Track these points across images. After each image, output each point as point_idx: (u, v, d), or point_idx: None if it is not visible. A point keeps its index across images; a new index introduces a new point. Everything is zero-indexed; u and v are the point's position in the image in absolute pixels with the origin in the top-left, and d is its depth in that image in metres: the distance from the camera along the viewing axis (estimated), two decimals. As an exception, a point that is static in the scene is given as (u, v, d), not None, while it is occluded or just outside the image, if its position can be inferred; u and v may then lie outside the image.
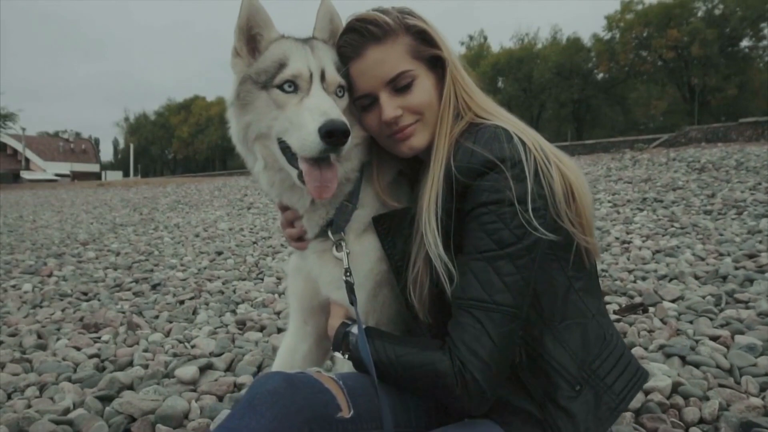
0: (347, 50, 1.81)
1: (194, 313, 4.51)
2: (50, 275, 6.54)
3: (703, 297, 3.93)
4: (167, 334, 4.01)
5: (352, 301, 1.79)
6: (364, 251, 1.89)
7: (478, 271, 1.59)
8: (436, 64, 1.79)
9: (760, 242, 5.21)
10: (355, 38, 1.77)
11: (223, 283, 5.58)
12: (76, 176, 70.76)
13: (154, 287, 5.63)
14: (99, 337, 3.98)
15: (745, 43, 54.45)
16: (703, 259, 4.96)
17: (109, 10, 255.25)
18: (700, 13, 53.55)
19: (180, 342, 3.76)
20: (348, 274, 1.83)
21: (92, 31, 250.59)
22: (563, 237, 1.66)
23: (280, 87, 1.74)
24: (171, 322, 4.27)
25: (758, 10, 49.05)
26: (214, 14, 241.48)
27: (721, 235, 5.72)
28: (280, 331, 3.91)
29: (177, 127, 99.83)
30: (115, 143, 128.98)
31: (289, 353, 2.17)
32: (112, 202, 19.44)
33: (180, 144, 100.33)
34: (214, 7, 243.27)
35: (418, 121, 1.79)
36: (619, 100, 63.31)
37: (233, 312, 4.51)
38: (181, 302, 4.92)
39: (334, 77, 1.79)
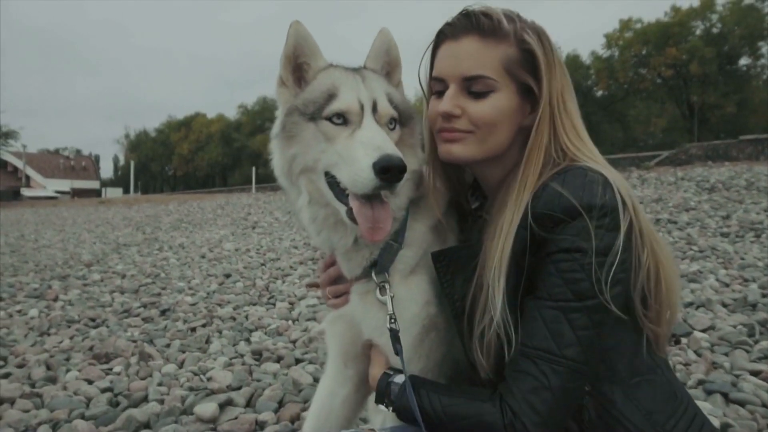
0: (447, 29, 1.67)
1: (207, 342, 4.38)
2: (56, 299, 6.40)
3: (735, 327, 3.80)
4: (181, 365, 3.88)
5: (397, 351, 1.66)
6: (410, 294, 1.77)
7: (549, 320, 1.47)
8: (530, 93, 1.65)
9: (786, 267, 5.10)
10: (462, 22, 1.64)
11: (234, 309, 5.45)
12: (76, 193, 70.69)
13: (163, 313, 5.50)
14: (110, 369, 3.84)
15: (743, 61, 54.82)
16: (727, 285, 4.84)
17: (109, 29, 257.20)
18: (698, 32, 53.92)
19: (195, 374, 3.62)
20: (393, 320, 1.70)
21: (92, 49, 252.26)
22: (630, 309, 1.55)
23: (329, 119, 1.64)
24: (184, 352, 4.13)
25: (756, 29, 49.41)
26: (214, 33, 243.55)
27: (743, 259, 5.61)
28: (297, 362, 3.78)
29: (177, 144, 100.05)
30: (116, 160, 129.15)
31: (328, 398, 2.04)
32: (114, 220, 19.31)
33: (180, 161, 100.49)
34: (215, 27, 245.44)
35: (472, 133, 1.67)
36: (618, 117, 63.53)
37: (247, 341, 4.38)
38: (193, 329, 4.79)
39: (387, 109, 1.68)
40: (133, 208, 24.21)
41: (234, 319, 5.08)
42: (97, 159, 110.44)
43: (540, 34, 1.64)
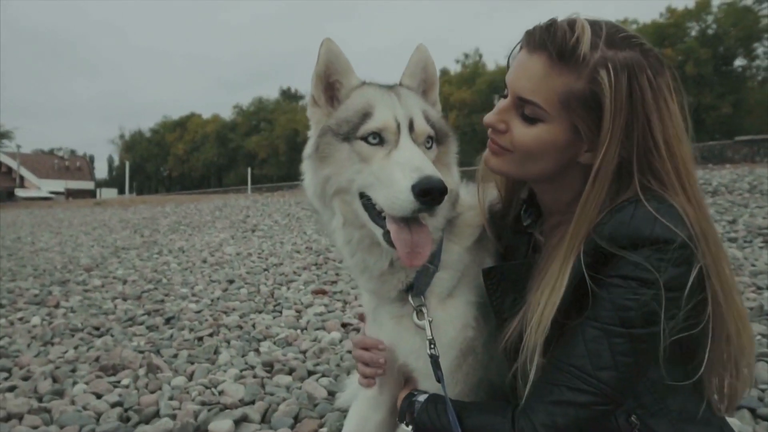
0: (527, 36, 1.56)
1: (215, 352, 4.30)
2: (57, 306, 6.32)
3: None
4: (190, 378, 3.80)
5: (439, 378, 1.61)
6: (448, 318, 1.72)
7: (589, 339, 1.41)
8: (581, 137, 1.52)
9: (798, 275, 5.06)
10: (541, 34, 1.51)
11: (241, 317, 5.37)
12: (71, 194, 70.34)
13: (168, 321, 5.41)
14: (118, 381, 3.76)
15: (738, 62, 55.11)
16: (740, 293, 4.79)
17: (105, 29, 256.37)
18: (693, 33, 54.17)
19: (206, 388, 3.55)
20: (432, 345, 1.65)
21: (88, 50, 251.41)
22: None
23: (365, 139, 1.58)
24: (192, 363, 4.06)
25: (751, 30, 49.62)
26: (210, 33, 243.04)
27: (754, 266, 5.57)
28: (310, 374, 3.71)
29: (172, 145, 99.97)
30: (110, 160, 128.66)
31: (361, 422, 1.99)
32: (111, 222, 19.17)
33: (175, 161, 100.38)
34: (211, 28, 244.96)
35: (510, 152, 1.62)
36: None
37: (256, 351, 4.31)
38: (200, 339, 4.71)
39: (424, 127, 1.62)
40: (130, 210, 24.06)
41: (241, 327, 5.01)
42: (91, 159, 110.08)
43: (632, 73, 1.43)
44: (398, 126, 1.59)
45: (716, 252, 1.46)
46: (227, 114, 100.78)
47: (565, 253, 1.45)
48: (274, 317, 5.33)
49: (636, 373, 1.42)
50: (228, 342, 4.56)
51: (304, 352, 4.20)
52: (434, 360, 1.62)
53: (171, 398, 3.39)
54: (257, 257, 9.10)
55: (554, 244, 1.53)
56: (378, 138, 1.58)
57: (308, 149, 1.75)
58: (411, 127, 1.60)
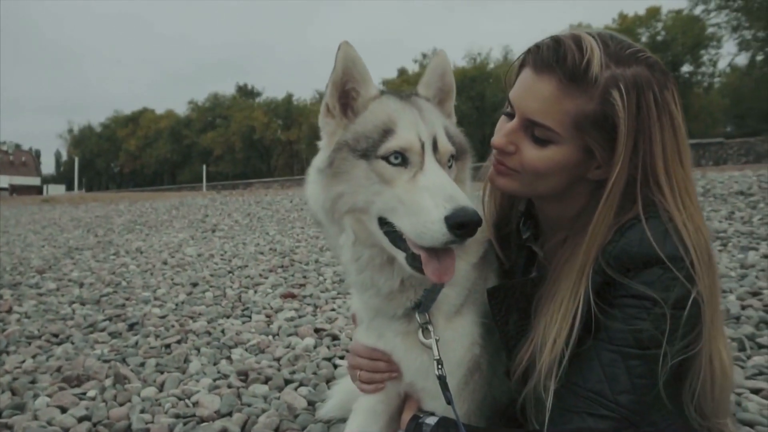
0: (532, 56, 1.50)
1: (185, 361, 4.14)
2: (10, 311, 5.99)
3: (723, 340, 3.85)
4: (161, 388, 3.65)
5: (448, 399, 1.56)
6: (456, 336, 1.67)
7: (606, 363, 1.40)
8: (593, 156, 1.51)
9: (758, 278, 5.23)
10: (549, 54, 1.46)
11: (208, 322, 5.21)
12: (15, 190, 67.62)
13: (131, 327, 5.20)
14: (84, 393, 3.57)
15: (685, 68, 57.15)
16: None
17: (51, 19, 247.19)
18: (644, 39, 55.86)
19: (180, 399, 3.41)
20: (440, 366, 1.59)
21: (33, 40, 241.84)
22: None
23: (386, 158, 1.48)
24: (162, 373, 3.90)
25: (697, 38, 51.56)
26: (164, 29, 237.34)
27: (715, 268, 5.73)
28: (287, 383, 3.61)
29: (124, 140, 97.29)
30: (58, 155, 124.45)
31: None
32: (62, 221, 18.46)
33: (127, 157, 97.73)
34: (164, 23, 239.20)
35: (518, 173, 1.59)
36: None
37: (228, 359, 4.18)
38: (167, 346, 4.54)
39: (447, 147, 1.53)
40: (81, 208, 23.22)
41: (209, 333, 4.85)
42: (37, 154, 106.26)
43: (641, 90, 1.43)
44: (422, 145, 1.49)
45: (712, 269, 1.47)
46: (182, 109, 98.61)
47: (577, 275, 1.44)
48: (243, 322, 5.19)
49: (652, 394, 1.41)
50: (198, 349, 4.40)
51: (278, 360, 4.09)
52: (443, 381, 1.57)
53: (143, 411, 3.24)
54: (220, 259, 8.88)
55: (562, 263, 1.51)
56: (400, 158, 1.48)
57: (320, 162, 1.63)
58: (434, 146, 1.51)
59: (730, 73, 56.42)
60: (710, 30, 50.69)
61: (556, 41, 1.49)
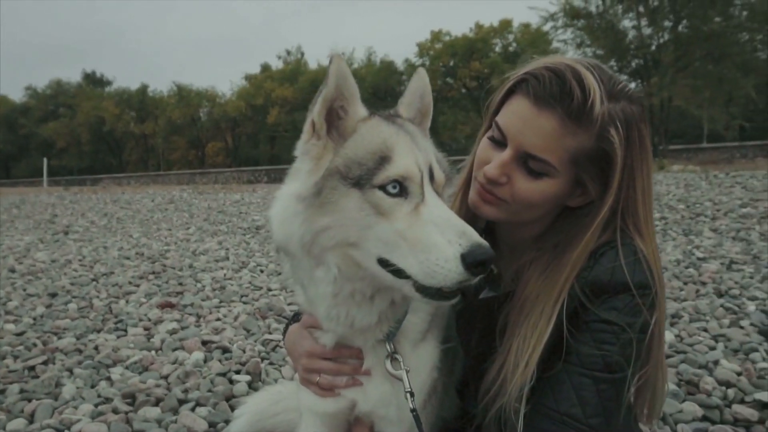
0: (531, 88, 1.46)
1: (57, 385, 3.71)
2: None
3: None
4: (31, 419, 3.23)
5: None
6: (421, 363, 1.64)
7: (579, 387, 1.46)
8: (586, 188, 1.54)
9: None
10: (551, 90, 1.43)
11: (77, 338, 4.71)
12: None
13: (-19, 348, 4.56)
14: (-68, 433, 3.07)
15: (533, 79, 61.95)
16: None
17: None
18: (498, 49, 59.70)
19: (58, 430, 3.04)
20: (412, 397, 1.52)
21: None
22: None
23: (383, 188, 1.34)
24: (29, 401, 3.45)
25: (545, 51, 55.93)
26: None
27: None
28: (181, 403, 3.36)
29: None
30: None
31: None
32: None
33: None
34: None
35: (506, 203, 1.59)
36: (429, 123, 67.99)
37: (108, 380, 3.80)
38: (31, 368, 4.03)
39: (442, 176, 1.45)
40: None
41: (80, 351, 4.38)
42: None
43: (630, 126, 1.48)
44: (421, 175, 1.38)
45: (663, 290, 1.58)
46: (17, 96, 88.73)
47: (554, 299, 1.47)
48: (118, 337, 4.76)
49: (618, 414, 1.48)
50: (70, 370, 3.95)
51: (166, 378, 3.80)
52: (416, 416, 1.50)
53: (14, 449, 2.85)
54: (79, 265, 8.09)
55: (538, 285, 1.54)
56: (398, 187, 1.34)
57: (304, 190, 1.42)
58: (431, 175, 1.42)
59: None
60: (556, 45, 55.52)
61: (557, 76, 1.47)
